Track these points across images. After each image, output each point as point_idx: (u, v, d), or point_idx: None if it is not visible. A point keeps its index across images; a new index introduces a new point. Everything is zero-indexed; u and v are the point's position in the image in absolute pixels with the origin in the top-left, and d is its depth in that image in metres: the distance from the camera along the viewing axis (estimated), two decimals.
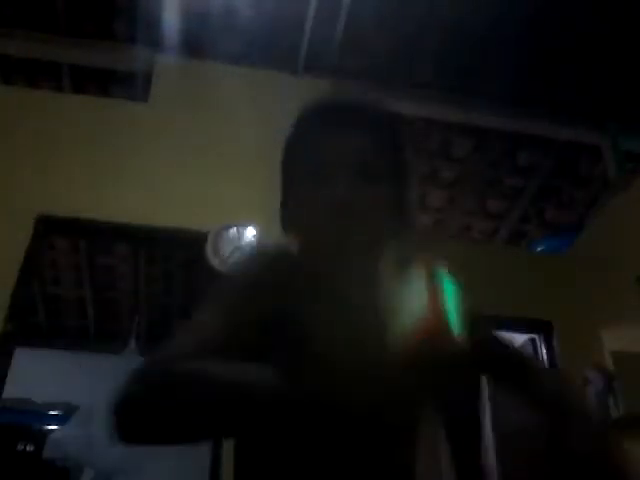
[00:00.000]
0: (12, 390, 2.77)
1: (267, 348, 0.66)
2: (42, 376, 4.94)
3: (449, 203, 4.57)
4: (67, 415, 4.13)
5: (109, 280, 5.19)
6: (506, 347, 0.89)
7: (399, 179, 0.83)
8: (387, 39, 3.39)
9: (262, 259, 0.83)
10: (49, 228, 2.80)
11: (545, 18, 3.26)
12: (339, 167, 0.78)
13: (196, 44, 3.32)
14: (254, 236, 2.89)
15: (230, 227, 2.89)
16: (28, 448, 4.25)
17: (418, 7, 3.21)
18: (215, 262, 2.81)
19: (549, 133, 3.97)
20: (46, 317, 5.62)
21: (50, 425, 4.32)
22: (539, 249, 4.27)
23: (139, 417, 0.57)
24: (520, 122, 3.87)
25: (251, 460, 0.72)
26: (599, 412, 3.14)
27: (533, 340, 3.75)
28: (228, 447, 0.80)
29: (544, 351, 3.67)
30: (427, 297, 0.60)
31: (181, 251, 4.61)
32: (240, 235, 2.89)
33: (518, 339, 3.96)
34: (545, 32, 3.34)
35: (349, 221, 0.71)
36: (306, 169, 0.81)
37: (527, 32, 3.34)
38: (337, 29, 3.29)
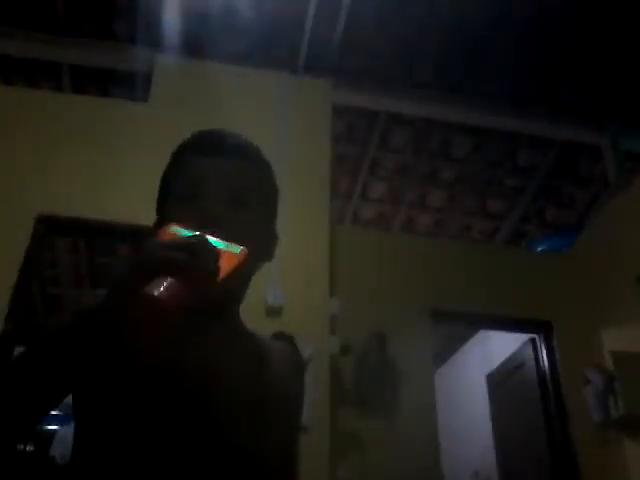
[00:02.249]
0: None
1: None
2: None
3: (449, 203, 4.57)
4: (67, 415, 4.13)
5: (109, 280, 5.19)
6: None
7: (265, 208, 0.87)
8: (387, 39, 3.39)
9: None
10: (49, 228, 2.80)
11: (545, 18, 3.26)
12: (209, 187, 0.80)
13: (196, 44, 3.31)
14: None
15: None
16: (28, 448, 4.25)
17: (418, 7, 3.21)
18: None
19: (549, 133, 3.97)
20: (46, 317, 5.62)
21: (50, 425, 4.32)
22: (539, 249, 4.28)
23: None
24: (520, 122, 3.88)
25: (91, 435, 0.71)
26: (599, 412, 3.14)
27: (533, 340, 3.75)
28: None
29: (544, 351, 3.67)
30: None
31: None
32: None
33: (518, 339, 3.97)
34: (545, 32, 3.34)
35: (220, 234, 0.68)
36: (177, 190, 0.83)
37: (527, 32, 3.34)
38: (337, 29, 3.29)
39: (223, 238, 0.66)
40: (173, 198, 0.84)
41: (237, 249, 0.65)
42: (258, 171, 0.89)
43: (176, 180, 0.86)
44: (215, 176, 0.82)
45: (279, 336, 1.02)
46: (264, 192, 0.88)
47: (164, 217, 0.82)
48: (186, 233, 0.62)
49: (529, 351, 3.77)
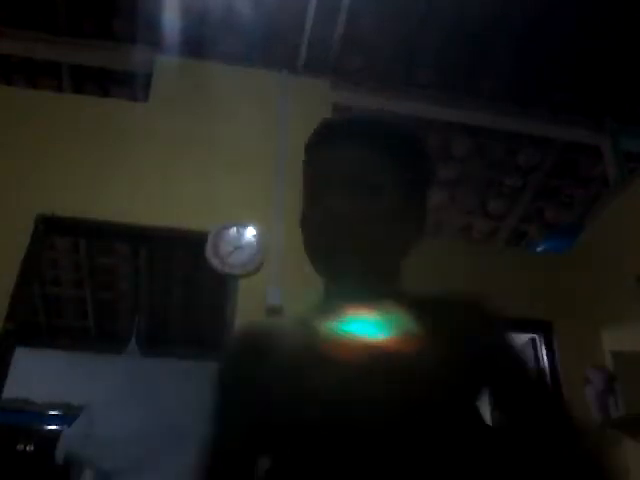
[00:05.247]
0: (12, 390, 2.77)
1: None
2: (42, 376, 4.94)
3: (449, 203, 4.57)
4: (67, 415, 4.14)
5: (109, 280, 5.19)
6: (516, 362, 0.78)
7: (406, 190, 0.79)
8: (387, 39, 3.39)
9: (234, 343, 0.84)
10: (49, 228, 2.80)
11: (545, 18, 3.26)
12: (334, 179, 0.73)
13: (196, 44, 3.32)
14: (254, 236, 2.89)
15: (230, 227, 2.89)
16: (28, 448, 4.25)
17: (418, 7, 3.21)
18: (215, 262, 2.81)
19: (549, 133, 3.97)
20: (46, 317, 5.62)
21: (50, 425, 4.32)
22: (539, 249, 4.27)
23: None
24: (520, 122, 3.87)
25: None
26: (599, 412, 3.14)
27: (533, 340, 3.75)
28: None
29: (544, 351, 3.67)
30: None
31: (181, 251, 4.61)
32: (240, 235, 2.88)
33: (518, 339, 3.97)
34: (545, 32, 3.34)
35: (343, 237, 0.66)
36: (305, 185, 0.78)
37: (527, 32, 3.34)
38: (337, 29, 3.29)
39: (349, 245, 0.66)
40: (305, 197, 0.77)
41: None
42: (396, 153, 0.78)
43: (309, 170, 0.79)
44: (340, 165, 0.74)
45: None
46: (403, 174, 0.78)
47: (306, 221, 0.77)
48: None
49: (529, 351, 3.76)
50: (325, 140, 0.80)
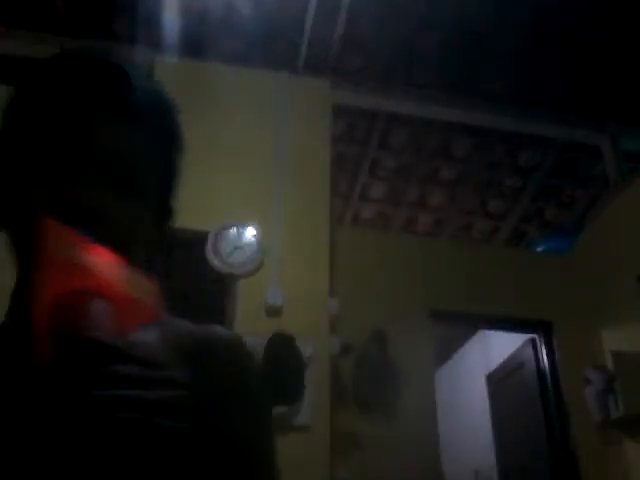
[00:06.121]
0: None
1: None
2: None
3: (449, 203, 4.57)
4: None
5: None
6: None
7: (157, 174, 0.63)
8: (387, 39, 3.39)
9: None
10: None
11: (545, 18, 3.26)
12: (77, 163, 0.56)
13: (196, 44, 3.31)
14: (254, 236, 2.89)
15: (230, 227, 2.89)
16: None
17: (418, 7, 3.21)
18: (215, 262, 2.81)
19: (549, 133, 3.97)
20: None
21: None
22: (539, 249, 4.28)
23: None
24: (520, 122, 3.87)
25: None
26: (599, 412, 3.14)
27: (533, 340, 3.75)
28: None
29: (544, 351, 3.67)
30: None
31: (181, 251, 4.61)
32: (240, 235, 2.88)
33: (518, 339, 3.97)
34: (545, 32, 3.34)
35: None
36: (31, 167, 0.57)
37: (527, 32, 3.34)
38: (337, 29, 3.29)
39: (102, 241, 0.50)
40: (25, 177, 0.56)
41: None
42: (141, 131, 0.60)
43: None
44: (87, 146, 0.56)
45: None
46: (150, 163, 0.61)
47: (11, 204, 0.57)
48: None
49: (529, 351, 3.77)
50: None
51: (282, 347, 2.57)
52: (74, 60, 0.62)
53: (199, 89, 3.25)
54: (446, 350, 5.46)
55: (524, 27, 3.31)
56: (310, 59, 3.41)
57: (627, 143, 3.85)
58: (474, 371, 5.01)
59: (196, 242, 2.84)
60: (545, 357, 3.65)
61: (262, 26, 3.28)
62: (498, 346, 4.49)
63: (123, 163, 0.57)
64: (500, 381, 4.25)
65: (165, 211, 0.67)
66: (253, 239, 2.87)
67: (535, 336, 3.74)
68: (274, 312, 2.75)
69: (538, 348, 3.71)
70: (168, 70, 3.33)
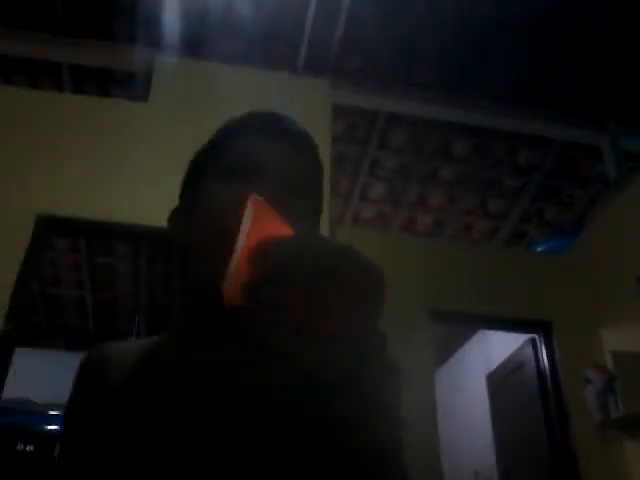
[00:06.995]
0: (12, 390, 2.77)
1: None
2: (42, 376, 4.94)
3: (449, 203, 4.57)
4: None
5: (109, 280, 5.19)
6: None
7: (313, 200, 0.78)
8: (387, 39, 3.39)
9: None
10: (49, 228, 2.80)
11: (545, 18, 3.26)
12: (264, 167, 0.70)
13: (196, 44, 3.32)
14: None
15: None
16: (28, 448, 4.25)
17: (418, 7, 3.21)
18: None
19: (549, 133, 3.97)
20: (46, 317, 5.62)
21: (50, 425, 4.32)
22: (539, 249, 4.28)
23: None
24: (520, 122, 3.88)
25: None
26: (599, 412, 3.14)
27: (533, 340, 3.75)
28: None
29: (544, 351, 3.67)
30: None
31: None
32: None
33: (518, 339, 3.97)
34: (545, 32, 3.34)
35: None
36: (223, 167, 0.72)
37: (527, 32, 3.34)
38: (337, 29, 3.29)
39: None
40: (215, 175, 0.72)
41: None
42: (308, 158, 0.80)
43: (222, 156, 0.74)
44: (270, 157, 0.72)
45: None
46: (313, 181, 0.79)
47: (198, 195, 0.73)
48: None
49: (529, 351, 3.77)
50: (255, 126, 0.78)
51: None
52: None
53: (199, 89, 3.26)
54: (446, 350, 5.46)
55: (524, 27, 3.31)
56: (310, 59, 3.41)
57: (627, 143, 3.85)
58: (474, 371, 5.01)
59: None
60: (545, 357, 3.65)
61: (262, 26, 3.28)
62: (498, 346, 4.50)
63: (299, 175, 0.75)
64: (500, 381, 4.25)
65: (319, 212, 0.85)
66: None
67: (535, 336, 3.74)
68: None
69: (538, 348, 3.71)
70: (168, 70, 3.34)
